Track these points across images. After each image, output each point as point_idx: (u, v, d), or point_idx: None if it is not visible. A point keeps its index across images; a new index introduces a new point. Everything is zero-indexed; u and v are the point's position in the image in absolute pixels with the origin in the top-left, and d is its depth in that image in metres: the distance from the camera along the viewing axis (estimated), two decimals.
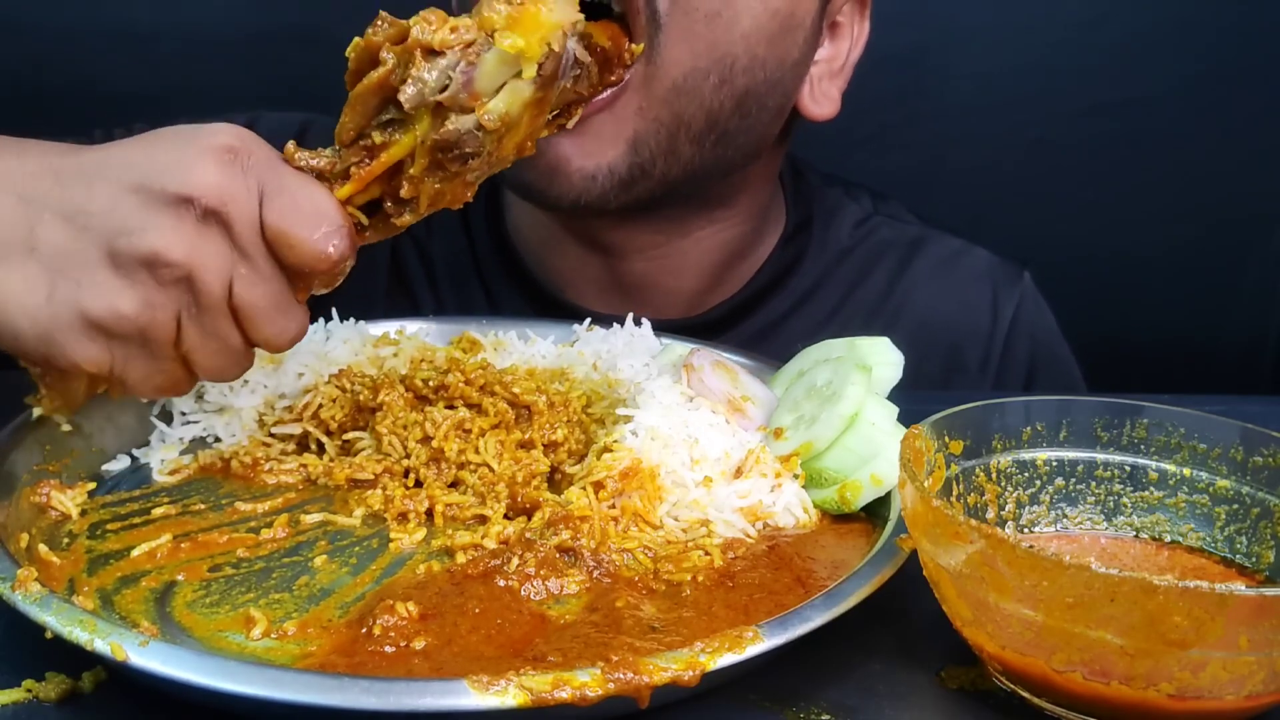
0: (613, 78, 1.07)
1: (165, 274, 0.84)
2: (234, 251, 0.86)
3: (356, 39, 0.89)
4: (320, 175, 0.90)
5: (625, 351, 1.19)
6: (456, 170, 0.90)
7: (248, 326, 0.88)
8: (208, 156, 0.85)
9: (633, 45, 1.10)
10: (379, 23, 0.89)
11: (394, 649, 0.79)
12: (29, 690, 0.77)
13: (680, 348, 1.17)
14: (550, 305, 1.45)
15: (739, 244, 1.47)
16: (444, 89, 0.86)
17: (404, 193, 0.91)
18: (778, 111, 1.34)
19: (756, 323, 1.48)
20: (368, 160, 0.89)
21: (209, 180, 0.84)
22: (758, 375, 1.09)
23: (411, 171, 0.90)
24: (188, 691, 0.71)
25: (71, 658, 0.76)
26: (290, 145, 0.90)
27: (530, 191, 1.29)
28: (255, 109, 1.59)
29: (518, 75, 0.89)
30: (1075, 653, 0.71)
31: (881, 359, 1.04)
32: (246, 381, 1.13)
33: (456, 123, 0.88)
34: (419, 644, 0.79)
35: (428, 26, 0.87)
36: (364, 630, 0.81)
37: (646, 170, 1.27)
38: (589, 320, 1.29)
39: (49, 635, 0.74)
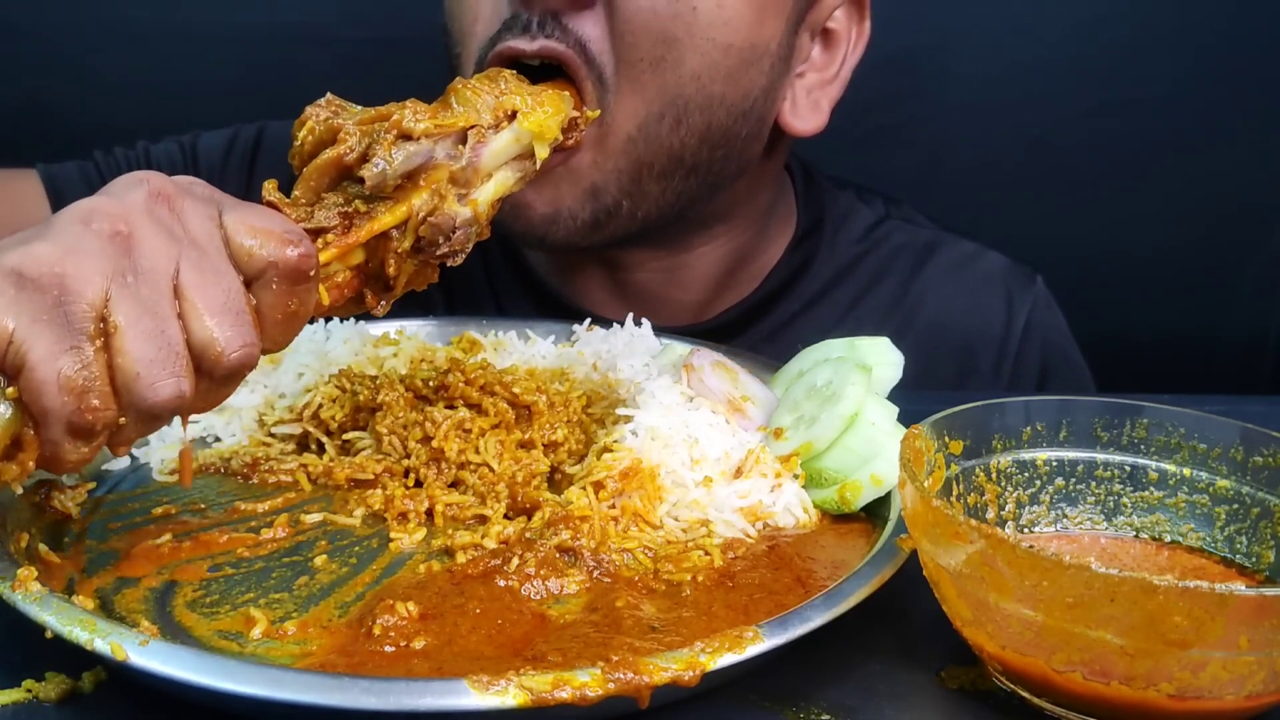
0: (569, 143, 1.06)
1: (100, 225, 0.77)
2: (186, 237, 0.79)
3: (311, 122, 0.89)
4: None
5: (625, 351, 1.19)
6: (434, 260, 0.91)
7: (190, 316, 0.77)
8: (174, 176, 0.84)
9: (588, 111, 1.09)
10: (323, 102, 0.89)
11: (394, 649, 0.79)
12: (29, 690, 0.77)
13: (680, 348, 1.17)
14: (561, 314, 1.44)
15: (744, 251, 1.46)
16: (417, 170, 0.87)
17: (390, 269, 0.89)
18: (752, 137, 1.32)
19: (766, 327, 1.47)
20: (344, 226, 0.87)
21: (164, 178, 0.82)
22: (757, 375, 1.09)
23: (403, 247, 0.89)
24: (188, 691, 0.71)
25: (71, 658, 0.76)
26: (268, 184, 0.87)
27: (501, 227, 1.28)
28: (260, 114, 1.59)
29: (516, 158, 0.92)
30: (1075, 653, 0.71)
31: (881, 359, 1.05)
32: (246, 381, 1.13)
33: (453, 209, 0.88)
34: (419, 644, 0.79)
35: (412, 115, 0.88)
36: (364, 630, 0.81)
37: (613, 212, 1.27)
38: (589, 320, 1.29)
39: (49, 635, 0.74)
